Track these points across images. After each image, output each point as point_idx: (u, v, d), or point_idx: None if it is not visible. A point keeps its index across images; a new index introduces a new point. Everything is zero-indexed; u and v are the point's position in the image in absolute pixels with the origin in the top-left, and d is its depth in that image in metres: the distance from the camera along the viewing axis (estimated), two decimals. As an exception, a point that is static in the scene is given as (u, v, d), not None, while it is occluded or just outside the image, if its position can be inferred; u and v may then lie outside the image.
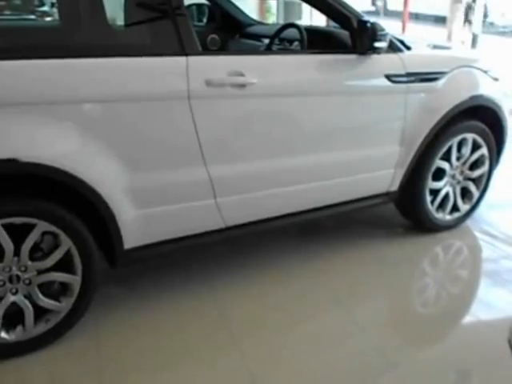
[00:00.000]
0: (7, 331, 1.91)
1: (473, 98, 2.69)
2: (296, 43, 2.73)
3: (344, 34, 2.43)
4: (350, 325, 2.20)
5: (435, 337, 2.17)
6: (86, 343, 2.06)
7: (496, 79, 2.92)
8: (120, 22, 2.00)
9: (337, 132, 2.37)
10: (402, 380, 1.90)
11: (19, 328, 1.92)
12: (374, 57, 2.35)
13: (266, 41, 3.06)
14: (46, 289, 1.94)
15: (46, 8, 3.53)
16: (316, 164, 2.34)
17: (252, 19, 3.55)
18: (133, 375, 1.90)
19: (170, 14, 1.92)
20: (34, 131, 1.73)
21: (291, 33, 2.69)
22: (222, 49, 3.24)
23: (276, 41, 2.84)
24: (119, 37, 1.94)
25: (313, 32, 2.55)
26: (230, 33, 3.34)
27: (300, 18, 10.55)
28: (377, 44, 2.23)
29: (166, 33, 1.92)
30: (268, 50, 2.71)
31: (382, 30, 2.23)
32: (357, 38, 2.26)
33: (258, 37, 3.22)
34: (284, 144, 2.24)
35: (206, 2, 3.44)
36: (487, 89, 2.79)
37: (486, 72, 2.84)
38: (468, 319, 2.36)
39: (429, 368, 1.95)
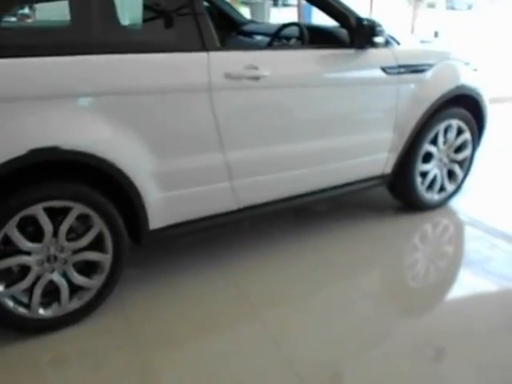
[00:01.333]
0: (44, 308, 2.05)
1: (457, 87, 2.94)
2: (293, 40, 2.92)
3: (339, 31, 2.64)
4: (352, 295, 2.42)
5: (425, 307, 2.38)
6: (114, 319, 2.21)
7: (475, 70, 3.18)
8: (150, 21, 2.17)
9: (339, 119, 2.59)
10: (394, 347, 2.10)
11: (55, 305, 2.07)
12: (370, 51, 2.57)
13: (259, 37, 3.27)
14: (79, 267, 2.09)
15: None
16: (321, 148, 2.56)
17: (246, 18, 3.74)
18: (162, 347, 2.06)
19: (193, 13, 2.10)
20: (72, 121, 1.88)
21: (290, 31, 2.89)
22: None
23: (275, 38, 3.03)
24: (149, 35, 2.11)
25: (311, 30, 2.74)
26: (227, 31, 3.51)
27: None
28: (376, 39, 2.45)
29: (189, 31, 2.10)
30: (278, 46, 2.87)
31: (380, 26, 2.45)
32: (356, 34, 2.47)
33: (252, 34, 3.41)
34: (293, 130, 2.44)
35: (205, 2, 3.59)
36: (469, 79, 3.04)
37: (467, 64, 3.10)
38: (455, 291, 2.57)
39: (418, 336, 2.14)
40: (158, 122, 2.08)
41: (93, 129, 1.93)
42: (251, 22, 3.75)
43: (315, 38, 2.67)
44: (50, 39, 1.90)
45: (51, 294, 2.07)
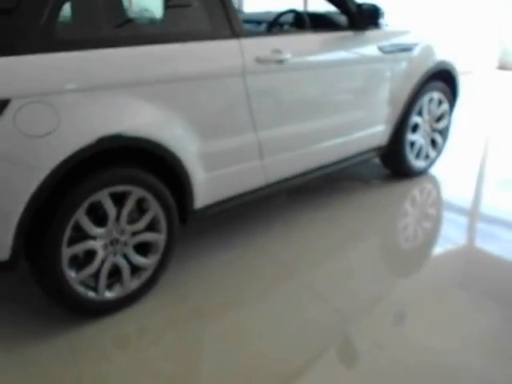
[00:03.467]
0: (108, 290, 2.16)
1: (438, 63, 3.29)
2: (287, 26, 3.13)
3: (333, 15, 2.89)
4: (360, 256, 2.72)
5: (416, 265, 2.68)
6: (167, 295, 2.34)
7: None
8: (187, 12, 2.31)
9: (349, 95, 2.87)
10: (396, 302, 2.33)
11: (117, 286, 2.18)
12: (369, 32, 2.84)
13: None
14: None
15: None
16: (334, 123, 2.81)
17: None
18: (215, 317, 2.21)
19: (222, 2, 2.26)
20: (132, 109, 2.00)
21: (288, 17, 3.10)
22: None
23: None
24: (187, 25, 2.25)
25: (310, 16, 2.97)
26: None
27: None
28: (380, 21, 2.72)
29: (220, 19, 2.26)
30: (294, 31, 2.98)
31: (380, 9, 2.72)
32: (359, 17, 2.72)
33: (247, 22, 3.59)
34: (311, 108, 2.68)
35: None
36: (446, 55, 3.40)
37: (439, 43, 3.46)
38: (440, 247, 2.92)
39: (415, 290, 2.40)
40: (201, 106, 2.23)
41: (149, 115, 2.05)
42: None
43: (315, 23, 2.90)
44: (113, 32, 2.01)
45: (111, 277, 2.18)
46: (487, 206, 3.30)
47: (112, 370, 1.90)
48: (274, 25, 3.18)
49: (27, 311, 2.21)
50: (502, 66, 8.69)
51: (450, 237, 2.95)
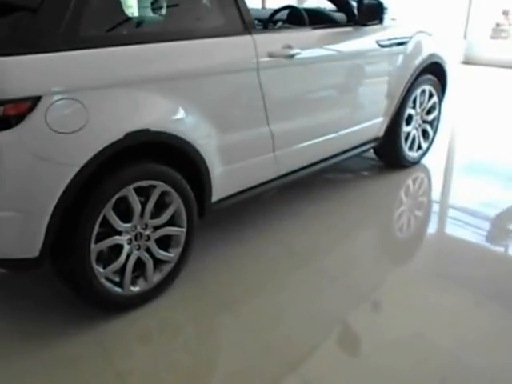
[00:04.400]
0: (132, 285, 2.18)
1: (430, 55, 3.42)
2: (280, 23, 3.19)
3: (330, 11, 2.98)
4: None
5: (413, 250, 2.84)
6: (193, 290, 2.37)
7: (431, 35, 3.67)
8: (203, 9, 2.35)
9: (354, 87, 2.97)
10: (396, 285, 2.46)
11: (141, 280, 2.20)
12: (369, 28, 2.93)
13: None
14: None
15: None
16: (340, 116, 2.91)
17: None
18: (244, 308, 2.27)
19: (236, 0, 2.31)
20: (157, 104, 2.03)
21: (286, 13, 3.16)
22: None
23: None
24: (207, 22, 2.29)
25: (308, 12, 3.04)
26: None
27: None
28: (383, 16, 2.82)
29: (235, 17, 2.31)
30: (301, 27, 2.95)
31: (383, 4, 2.82)
32: (361, 12, 2.81)
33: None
34: (320, 101, 2.76)
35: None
36: (436, 48, 3.53)
37: (430, 35, 3.58)
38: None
39: (414, 274, 2.55)
40: (219, 100, 2.27)
41: (172, 110, 2.08)
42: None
43: (314, 19, 2.97)
44: (139, 30, 2.03)
45: (134, 272, 2.19)
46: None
47: (137, 365, 1.93)
48: (273, 21, 3.23)
49: (48, 310, 2.21)
50: (467, 61, 8.99)
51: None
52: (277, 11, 3.23)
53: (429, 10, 8.33)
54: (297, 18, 3.00)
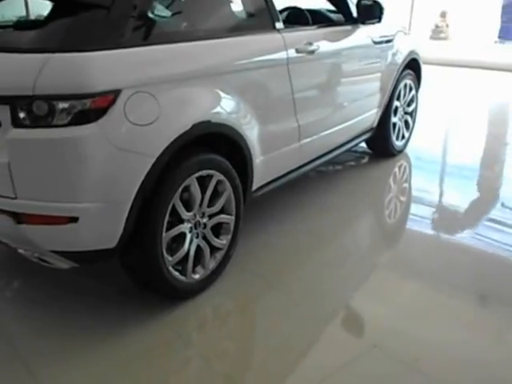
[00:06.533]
0: (193, 273, 2.26)
1: (410, 52, 3.76)
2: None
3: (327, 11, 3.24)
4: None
5: (398, 236, 3.09)
6: (242, 274, 2.48)
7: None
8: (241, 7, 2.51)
9: (358, 80, 3.23)
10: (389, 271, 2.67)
11: (199, 268, 2.29)
12: (364, 26, 3.21)
13: None
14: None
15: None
16: (351, 107, 3.16)
17: None
18: (291, 287, 2.45)
19: (267, 1, 2.49)
20: (216, 97, 2.16)
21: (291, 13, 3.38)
22: None
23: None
24: (243, 20, 2.45)
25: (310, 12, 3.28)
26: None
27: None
28: (382, 15, 3.10)
29: (265, 16, 2.49)
30: (317, 25, 3.09)
31: (381, 4, 3.11)
32: (362, 12, 3.07)
33: None
34: (334, 92, 3.00)
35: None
36: (414, 45, 3.89)
37: (407, 34, 3.94)
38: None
39: (399, 261, 2.74)
40: (259, 93, 2.44)
41: (227, 102, 2.22)
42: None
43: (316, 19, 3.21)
44: (199, 26, 2.15)
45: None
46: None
47: (193, 355, 2.02)
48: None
49: (111, 303, 2.25)
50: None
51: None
52: (280, 12, 3.43)
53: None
54: (301, 18, 3.22)
